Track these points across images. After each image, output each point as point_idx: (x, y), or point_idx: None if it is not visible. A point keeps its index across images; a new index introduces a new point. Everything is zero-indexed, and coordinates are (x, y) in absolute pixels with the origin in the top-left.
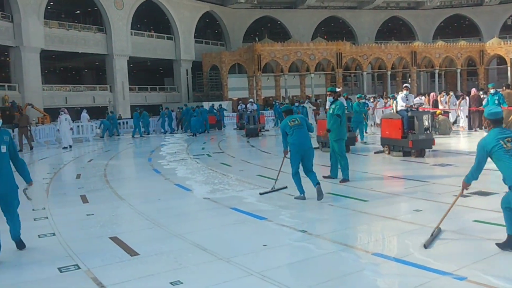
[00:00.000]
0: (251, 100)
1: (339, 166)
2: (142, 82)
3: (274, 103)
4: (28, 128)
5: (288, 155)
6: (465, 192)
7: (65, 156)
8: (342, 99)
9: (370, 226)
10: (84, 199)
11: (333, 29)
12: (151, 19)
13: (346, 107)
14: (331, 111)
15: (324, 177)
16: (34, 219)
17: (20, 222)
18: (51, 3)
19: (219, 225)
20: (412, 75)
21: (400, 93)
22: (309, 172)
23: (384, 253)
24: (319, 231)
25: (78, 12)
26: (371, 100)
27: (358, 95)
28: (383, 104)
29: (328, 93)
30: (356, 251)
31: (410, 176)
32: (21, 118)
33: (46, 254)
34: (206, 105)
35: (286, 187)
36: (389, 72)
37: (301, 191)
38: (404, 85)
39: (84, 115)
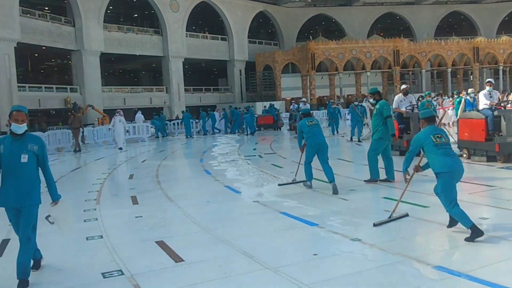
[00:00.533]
0: (303, 99)
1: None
2: (197, 83)
3: (328, 102)
4: (81, 129)
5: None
6: None
7: (120, 156)
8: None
9: (431, 235)
10: (134, 200)
11: (390, 26)
12: (205, 21)
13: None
14: (375, 112)
15: (380, 180)
16: (84, 221)
17: (33, 252)
18: (110, 7)
19: (267, 230)
20: (474, 72)
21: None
22: (325, 163)
23: (446, 266)
24: (373, 239)
25: (136, 15)
26: (435, 98)
27: (426, 93)
28: (450, 102)
29: (369, 94)
30: (414, 263)
31: (490, 182)
32: (74, 120)
33: (92, 258)
34: (260, 105)
35: (304, 182)
36: (449, 70)
37: (309, 178)
38: (487, 80)
39: (139, 116)
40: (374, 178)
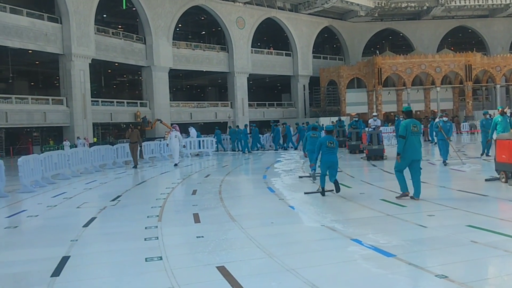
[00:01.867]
0: (375, 114)
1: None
2: (261, 98)
3: (395, 118)
4: (139, 144)
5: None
6: None
7: (185, 170)
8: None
9: None
10: (196, 218)
11: (461, 40)
12: (270, 37)
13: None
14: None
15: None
16: (145, 239)
17: None
18: (179, 25)
19: (337, 260)
20: None
21: None
22: (333, 177)
23: None
24: (463, 277)
25: (203, 32)
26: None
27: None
28: None
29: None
30: None
31: None
32: (132, 134)
33: (149, 282)
34: (325, 120)
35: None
36: None
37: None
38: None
39: (193, 131)
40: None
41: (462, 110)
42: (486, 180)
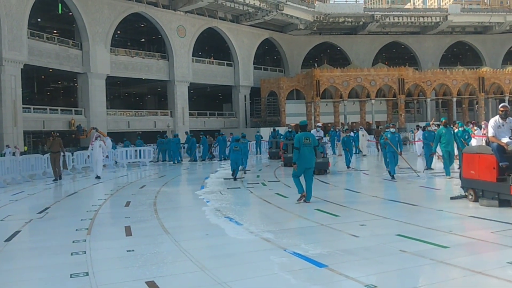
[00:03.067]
0: (318, 124)
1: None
2: (202, 108)
3: (331, 129)
4: (62, 153)
5: None
6: None
7: (120, 181)
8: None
9: (454, 283)
10: (128, 231)
11: (395, 55)
12: (211, 46)
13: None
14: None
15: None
16: (72, 254)
17: None
18: (118, 32)
19: (269, 272)
20: (479, 102)
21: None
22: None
23: None
24: (392, 287)
25: (143, 40)
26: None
27: (459, 123)
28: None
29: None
30: None
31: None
32: (53, 143)
33: None
34: (265, 131)
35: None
36: (454, 99)
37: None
38: (501, 105)
39: (109, 142)
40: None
41: (395, 122)
42: (451, 198)
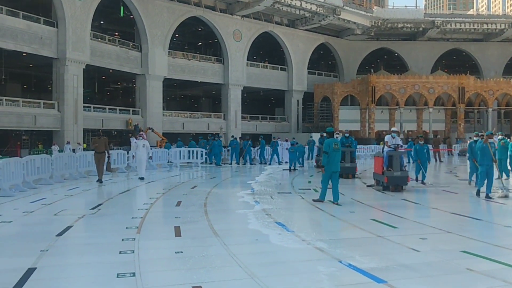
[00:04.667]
0: (394, 129)
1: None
2: (254, 111)
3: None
4: (107, 154)
5: None
6: None
7: (173, 180)
8: None
9: None
10: (177, 231)
11: (455, 62)
12: (266, 51)
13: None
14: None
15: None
16: (120, 252)
17: None
18: (176, 35)
19: (323, 284)
20: None
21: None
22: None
23: None
24: None
25: (200, 43)
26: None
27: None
28: None
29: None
30: None
31: None
32: (99, 142)
33: None
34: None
35: None
36: None
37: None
38: (392, 129)
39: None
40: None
41: (453, 132)
42: (367, 186)
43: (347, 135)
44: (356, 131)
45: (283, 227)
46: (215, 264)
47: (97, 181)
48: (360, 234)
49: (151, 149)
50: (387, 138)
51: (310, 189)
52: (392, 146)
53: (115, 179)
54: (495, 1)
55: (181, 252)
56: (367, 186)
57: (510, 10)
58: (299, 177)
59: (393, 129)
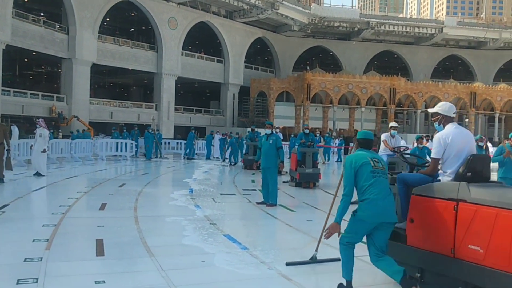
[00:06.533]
0: (394, 124)
1: None
2: (188, 103)
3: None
4: (6, 147)
5: None
6: None
7: (97, 176)
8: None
9: None
10: (100, 247)
11: (387, 64)
12: (202, 41)
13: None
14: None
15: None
16: (18, 281)
17: None
18: (107, 19)
19: None
20: (470, 117)
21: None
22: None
23: None
24: None
25: (132, 29)
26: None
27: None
28: None
29: (266, 125)
30: None
31: None
32: None
33: None
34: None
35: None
36: None
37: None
38: (391, 124)
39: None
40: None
41: (383, 132)
42: (283, 182)
43: (307, 131)
44: (290, 128)
45: (234, 242)
46: None
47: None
48: (331, 253)
49: (49, 139)
50: (384, 136)
51: (255, 189)
52: (395, 149)
53: (30, 172)
54: (423, 6)
55: (103, 282)
56: (283, 182)
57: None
58: (240, 175)
59: (392, 124)
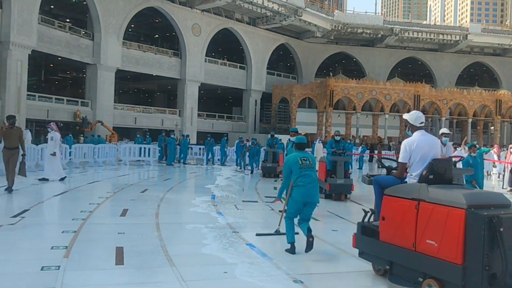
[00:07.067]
0: (446, 131)
1: None
2: (211, 109)
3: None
4: (22, 152)
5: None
6: None
7: (121, 180)
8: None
9: None
10: (119, 255)
11: (410, 71)
12: (225, 48)
13: None
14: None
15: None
16: None
17: None
18: (132, 26)
19: None
20: (495, 124)
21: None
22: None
23: None
24: None
25: (157, 36)
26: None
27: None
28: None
29: (291, 133)
30: None
31: None
32: (10, 134)
33: None
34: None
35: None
36: (470, 120)
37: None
38: (441, 131)
39: (28, 135)
40: None
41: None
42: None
43: (338, 138)
44: (313, 134)
45: (258, 252)
46: None
47: (6, 189)
48: (356, 266)
49: (62, 143)
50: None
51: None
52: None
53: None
54: (447, 13)
55: None
56: None
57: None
58: (262, 182)
59: (443, 130)
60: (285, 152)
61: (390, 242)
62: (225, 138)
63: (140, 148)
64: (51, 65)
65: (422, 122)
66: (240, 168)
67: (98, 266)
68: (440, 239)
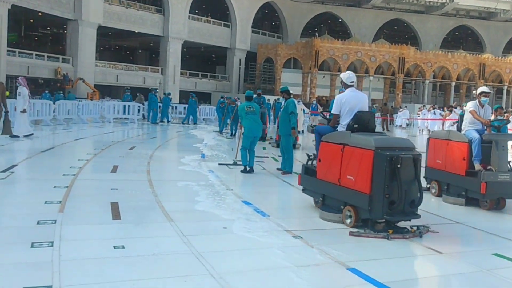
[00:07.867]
0: (485, 89)
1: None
2: (194, 68)
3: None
4: (4, 109)
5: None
6: None
7: (106, 137)
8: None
9: None
10: (115, 210)
11: (396, 33)
12: (210, 5)
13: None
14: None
15: (278, 169)
16: (32, 245)
17: None
18: None
19: None
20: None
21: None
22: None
23: None
24: None
25: None
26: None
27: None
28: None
29: (282, 93)
30: None
31: None
32: None
33: None
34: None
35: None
36: (453, 83)
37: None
38: (480, 89)
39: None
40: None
41: (391, 101)
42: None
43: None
44: (297, 95)
45: (255, 209)
46: (175, 272)
47: None
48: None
49: (28, 99)
50: (472, 106)
51: (267, 156)
52: (491, 124)
53: (39, 133)
54: None
55: (122, 247)
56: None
57: None
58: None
59: (483, 89)
60: (272, 113)
61: (323, 179)
62: (192, 98)
63: (124, 105)
64: (31, 20)
65: (352, 81)
66: (221, 133)
67: (95, 221)
68: (356, 175)
